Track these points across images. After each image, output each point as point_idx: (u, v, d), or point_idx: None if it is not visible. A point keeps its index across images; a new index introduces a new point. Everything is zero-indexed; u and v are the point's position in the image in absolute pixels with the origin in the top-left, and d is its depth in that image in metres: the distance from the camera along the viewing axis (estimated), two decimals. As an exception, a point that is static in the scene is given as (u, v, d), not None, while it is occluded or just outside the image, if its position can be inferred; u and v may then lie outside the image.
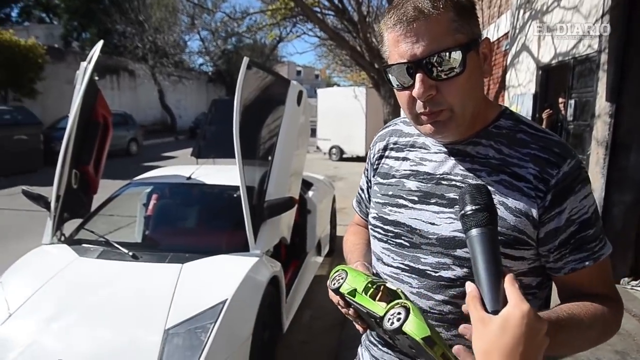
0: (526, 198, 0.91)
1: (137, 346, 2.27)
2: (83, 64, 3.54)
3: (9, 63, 13.46)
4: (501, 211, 0.91)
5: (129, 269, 2.84)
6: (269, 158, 3.35)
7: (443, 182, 1.00)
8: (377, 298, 0.90)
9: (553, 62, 5.62)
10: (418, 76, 0.88)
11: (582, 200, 0.91)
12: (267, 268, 2.98)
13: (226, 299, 2.48)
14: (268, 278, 2.88)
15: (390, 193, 1.08)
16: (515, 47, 7.02)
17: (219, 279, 2.73)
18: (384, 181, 1.11)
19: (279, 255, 3.62)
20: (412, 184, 1.04)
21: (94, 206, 3.75)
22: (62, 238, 3.30)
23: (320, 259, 4.87)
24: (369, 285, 0.91)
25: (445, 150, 1.02)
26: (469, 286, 0.73)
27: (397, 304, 0.84)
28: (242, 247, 3.03)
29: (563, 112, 5.60)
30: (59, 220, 3.28)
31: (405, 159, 1.09)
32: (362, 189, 1.26)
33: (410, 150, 1.09)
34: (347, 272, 0.96)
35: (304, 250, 4.33)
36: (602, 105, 4.29)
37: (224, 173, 3.96)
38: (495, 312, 0.68)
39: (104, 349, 2.24)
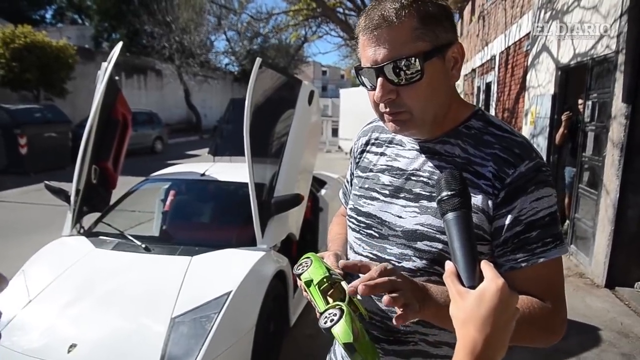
0: (484, 195, 0.95)
1: (145, 333, 2.40)
2: (104, 64, 3.69)
3: (42, 63, 13.79)
4: None
5: (141, 261, 2.97)
6: (279, 156, 3.43)
7: (412, 177, 1.05)
8: (329, 293, 0.94)
9: (572, 62, 5.55)
10: (379, 80, 0.94)
11: (533, 202, 0.93)
12: (274, 262, 3.07)
13: (231, 291, 2.59)
14: (273, 272, 2.97)
15: (366, 186, 1.14)
16: (535, 48, 6.94)
17: (225, 272, 2.83)
18: (363, 174, 1.17)
19: (289, 252, 3.70)
20: (385, 179, 1.10)
21: (113, 201, 3.91)
22: (81, 230, 3.46)
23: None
24: (324, 279, 0.94)
25: (418, 147, 1.07)
26: (448, 264, 0.77)
27: (337, 305, 0.89)
28: (249, 242, 3.13)
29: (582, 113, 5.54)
30: (78, 214, 3.44)
31: (382, 154, 1.15)
32: (347, 181, 1.32)
33: (388, 146, 1.15)
34: (312, 261, 1.00)
35: (315, 248, 4.40)
36: (618, 106, 4.24)
37: (236, 170, 4.06)
38: (472, 287, 0.72)
39: (114, 335, 2.38)
